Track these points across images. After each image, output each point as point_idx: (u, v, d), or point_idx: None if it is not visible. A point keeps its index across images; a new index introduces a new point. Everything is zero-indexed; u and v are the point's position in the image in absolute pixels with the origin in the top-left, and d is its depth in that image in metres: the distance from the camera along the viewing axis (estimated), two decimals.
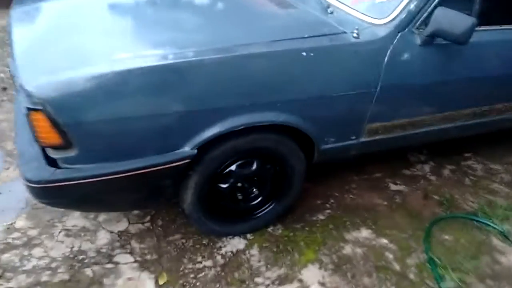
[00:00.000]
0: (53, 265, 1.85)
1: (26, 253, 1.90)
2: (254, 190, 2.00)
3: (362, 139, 2.03)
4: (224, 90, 1.58)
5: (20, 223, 2.06)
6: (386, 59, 1.79)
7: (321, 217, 2.26)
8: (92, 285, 1.78)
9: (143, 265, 1.89)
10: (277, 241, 2.08)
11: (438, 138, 2.42)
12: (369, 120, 1.96)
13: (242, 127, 1.66)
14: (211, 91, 1.56)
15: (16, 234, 1.99)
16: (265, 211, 2.09)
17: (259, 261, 1.97)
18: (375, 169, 2.68)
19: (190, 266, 1.91)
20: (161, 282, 1.82)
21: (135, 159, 1.58)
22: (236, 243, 2.05)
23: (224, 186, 1.88)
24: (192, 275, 1.87)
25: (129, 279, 1.82)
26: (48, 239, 1.98)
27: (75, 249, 1.94)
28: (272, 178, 2.00)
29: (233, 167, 1.85)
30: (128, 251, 1.96)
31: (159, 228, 2.10)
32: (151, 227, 2.10)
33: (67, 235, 2.01)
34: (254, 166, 1.89)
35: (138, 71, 1.45)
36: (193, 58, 1.52)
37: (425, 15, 1.81)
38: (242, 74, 1.60)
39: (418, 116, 2.10)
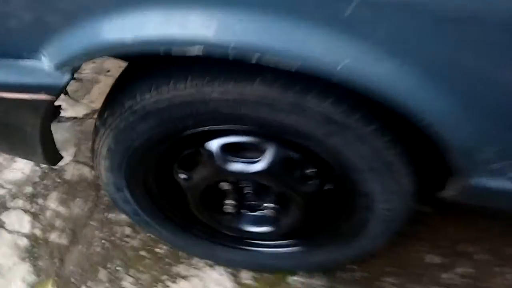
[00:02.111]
0: None
1: None
2: (272, 206, 0.84)
3: None
4: None
5: None
6: None
7: None
8: None
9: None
10: None
11: None
12: None
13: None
14: None
15: None
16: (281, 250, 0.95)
17: None
18: None
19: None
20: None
21: None
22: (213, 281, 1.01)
23: (183, 176, 0.79)
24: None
25: None
26: None
27: None
28: (313, 199, 0.80)
29: (212, 144, 0.73)
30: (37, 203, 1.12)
31: None
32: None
33: None
34: (263, 162, 0.72)
35: None
36: None
37: None
38: None
39: None
